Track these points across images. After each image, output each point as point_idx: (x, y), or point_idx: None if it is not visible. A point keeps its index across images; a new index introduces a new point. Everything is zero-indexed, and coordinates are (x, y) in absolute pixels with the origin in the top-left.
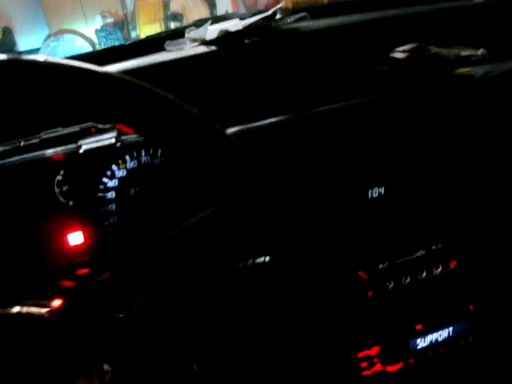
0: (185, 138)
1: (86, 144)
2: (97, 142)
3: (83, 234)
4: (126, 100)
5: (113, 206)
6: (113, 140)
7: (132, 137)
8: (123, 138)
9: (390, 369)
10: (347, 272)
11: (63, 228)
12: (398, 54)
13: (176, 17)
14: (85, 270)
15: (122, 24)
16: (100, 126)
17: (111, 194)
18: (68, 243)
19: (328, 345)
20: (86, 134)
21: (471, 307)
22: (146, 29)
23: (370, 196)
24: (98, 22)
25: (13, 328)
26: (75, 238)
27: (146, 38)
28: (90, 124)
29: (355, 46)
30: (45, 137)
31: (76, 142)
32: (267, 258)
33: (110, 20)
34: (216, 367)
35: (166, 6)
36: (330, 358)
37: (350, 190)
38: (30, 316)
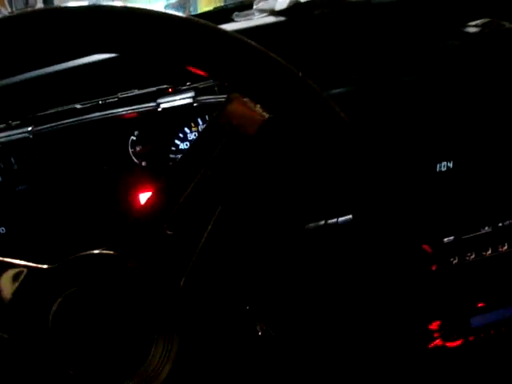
0: (277, 90)
1: (165, 102)
2: (175, 101)
3: None
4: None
5: None
6: (190, 100)
7: (207, 98)
8: (200, 98)
9: (450, 345)
10: (412, 244)
11: (136, 187)
12: (471, 28)
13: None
14: None
15: (185, 4)
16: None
17: None
18: (139, 202)
19: (391, 315)
20: (164, 94)
21: None
22: (205, 9)
23: (438, 170)
24: (160, 2)
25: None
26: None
27: (214, 8)
28: (165, 86)
29: (427, 19)
30: (123, 96)
31: (154, 100)
32: (340, 219)
33: (173, 1)
34: (279, 328)
35: None
36: (393, 328)
37: (418, 163)
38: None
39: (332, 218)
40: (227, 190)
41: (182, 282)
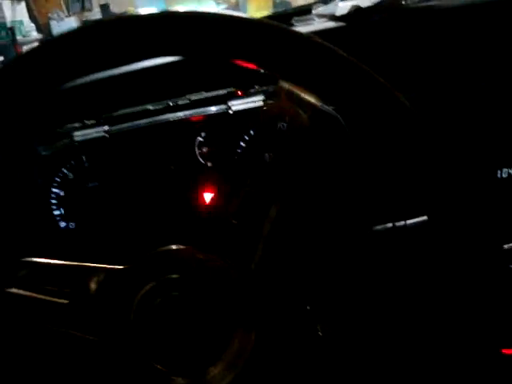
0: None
1: (236, 105)
2: (246, 103)
3: (217, 194)
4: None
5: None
6: (261, 102)
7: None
8: (269, 101)
9: None
10: (493, 244)
11: (201, 187)
12: None
13: (285, 4)
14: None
15: (234, 9)
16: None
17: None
18: (204, 201)
19: (467, 321)
20: (234, 96)
21: None
22: (255, 15)
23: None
24: (210, 6)
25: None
26: (209, 198)
27: (273, 14)
28: (233, 89)
29: (489, 27)
30: (193, 98)
31: (225, 103)
32: (408, 222)
33: (223, 6)
34: (341, 330)
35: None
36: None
37: (479, 168)
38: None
39: (400, 221)
40: (285, 182)
41: (252, 268)
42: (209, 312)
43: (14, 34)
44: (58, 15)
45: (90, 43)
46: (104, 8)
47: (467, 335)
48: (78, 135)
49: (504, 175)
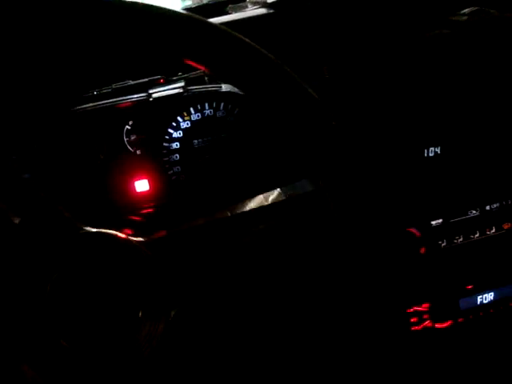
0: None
1: (156, 92)
2: (166, 90)
3: (149, 181)
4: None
5: (177, 156)
6: (181, 89)
7: (197, 87)
8: (190, 87)
9: (439, 326)
10: (400, 227)
11: (131, 175)
12: (459, 17)
13: None
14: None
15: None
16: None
17: (176, 145)
18: (135, 190)
19: (379, 299)
20: (155, 84)
21: None
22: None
23: (425, 155)
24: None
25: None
26: (141, 186)
27: (208, 1)
28: (157, 76)
29: (414, 8)
30: (116, 87)
31: (146, 91)
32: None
33: (188, 2)
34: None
35: None
36: (381, 313)
37: (406, 148)
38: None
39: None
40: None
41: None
42: (118, 292)
43: None
44: None
45: None
46: None
47: (376, 310)
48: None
49: (431, 154)
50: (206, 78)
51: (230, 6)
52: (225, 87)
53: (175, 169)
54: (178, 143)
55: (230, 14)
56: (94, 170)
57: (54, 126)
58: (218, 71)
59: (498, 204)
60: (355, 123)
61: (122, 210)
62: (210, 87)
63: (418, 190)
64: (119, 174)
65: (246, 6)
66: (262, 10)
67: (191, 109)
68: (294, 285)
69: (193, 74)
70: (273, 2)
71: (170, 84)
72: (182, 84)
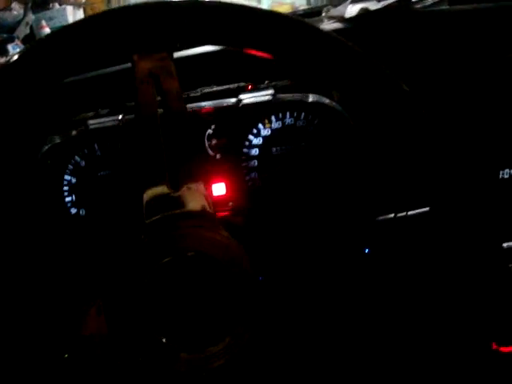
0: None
1: (247, 98)
2: (256, 97)
3: (226, 185)
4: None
5: (255, 162)
6: (270, 97)
7: (286, 95)
8: (278, 95)
9: None
10: (492, 242)
11: (209, 178)
12: None
13: None
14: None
15: None
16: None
17: (255, 151)
18: (212, 193)
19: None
20: (243, 90)
21: None
22: None
23: (500, 176)
24: None
25: None
26: (219, 189)
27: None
28: (244, 83)
29: (494, 33)
30: (205, 91)
31: (236, 96)
32: (410, 213)
33: None
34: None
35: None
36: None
37: (481, 169)
38: None
39: (402, 211)
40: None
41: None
42: (219, 292)
43: None
44: None
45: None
46: None
47: (464, 332)
48: (93, 123)
49: (505, 176)
50: (293, 88)
51: (305, 19)
52: (312, 97)
53: (252, 175)
54: (257, 150)
55: None
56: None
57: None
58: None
59: None
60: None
61: None
62: (298, 95)
63: (494, 213)
64: (199, 176)
65: (322, 21)
66: (339, 25)
67: (273, 117)
68: None
69: (280, 83)
70: (351, 18)
71: (260, 91)
72: (271, 91)
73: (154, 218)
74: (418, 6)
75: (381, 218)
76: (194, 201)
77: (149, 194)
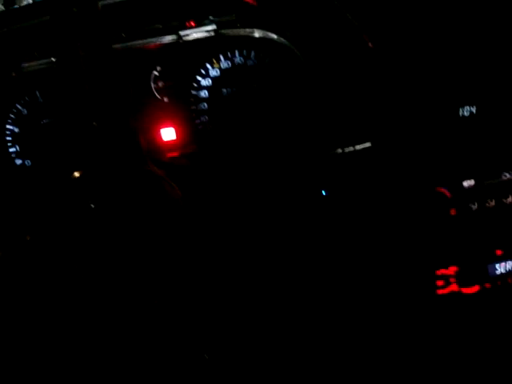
0: None
1: (187, 35)
2: (197, 33)
3: (175, 130)
4: None
5: (205, 105)
6: (212, 33)
7: (229, 31)
8: (221, 31)
9: (465, 291)
10: (431, 187)
11: (157, 123)
12: None
13: None
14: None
15: None
16: None
17: (204, 93)
18: (161, 138)
19: (406, 259)
20: (186, 27)
21: None
22: None
23: (460, 114)
24: None
25: None
26: (168, 134)
27: None
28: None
29: None
30: (146, 29)
31: (176, 33)
32: (357, 147)
33: None
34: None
35: None
36: (407, 273)
37: (441, 107)
38: None
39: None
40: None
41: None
42: None
43: None
44: None
45: None
46: None
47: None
48: (26, 66)
49: (466, 113)
50: (238, 24)
51: None
52: (258, 32)
53: (203, 118)
54: (206, 92)
55: None
56: (120, 114)
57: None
58: None
59: None
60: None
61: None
62: (243, 31)
63: (451, 149)
64: (145, 120)
65: None
66: None
67: (221, 56)
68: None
69: (224, 18)
70: None
71: (201, 27)
72: (213, 27)
73: None
74: None
75: (331, 152)
76: None
77: None
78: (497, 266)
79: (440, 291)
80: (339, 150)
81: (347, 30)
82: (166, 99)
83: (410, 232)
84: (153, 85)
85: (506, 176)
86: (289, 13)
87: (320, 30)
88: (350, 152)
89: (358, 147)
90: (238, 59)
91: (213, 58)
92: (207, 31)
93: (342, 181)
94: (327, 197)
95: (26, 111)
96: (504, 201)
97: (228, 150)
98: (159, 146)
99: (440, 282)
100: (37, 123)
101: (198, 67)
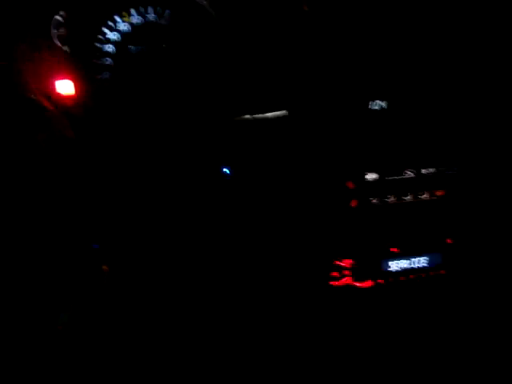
0: None
1: None
2: None
3: (74, 84)
4: None
5: (109, 60)
6: None
7: None
8: None
9: (359, 285)
10: (336, 178)
11: (53, 73)
12: None
13: None
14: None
15: None
16: None
17: (109, 47)
18: (55, 90)
19: (302, 248)
20: None
21: (449, 241)
22: None
23: (370, 107)
24: None
25: None
26: (65, 87)
27: None
28: None
29: None
30: None
31: None
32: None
33: None
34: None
35: None
36: (304, 262)
37: (352, 99)
38: None
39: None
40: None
41: None
42: None
43: None
44: None
45: None
46: None
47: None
48: None
49: (375, 107)
50: None
51: None
52: None
53: (105, 74)
54: (112, 46)
55: None
56: (12, 60)
57: None
58: None
59: (434, 169)
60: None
61: (43, 110)
62: None
63: (358, 142)
64: (41, 69)
65: None
66: None
67: (132, 10)
68: None
69: None
70: None
71: None
72: None
73: None
74: None
75: (237, 118)
76: None
77: None
78: (390, 263)
79: (334, 283)
80: (247, 116)
81: None
82: (66, 48)
83: (310, 220)
84: (53, 30)
85: (408, 174)
86: None
87: None
88: (260, 119)
89: (270, 115)
90: (150, 16)
91: (123, 11)
92: None
93: (246, 157)
94: (229, 177)
95: None
96: (404, 198)
97: (127, 110)
98: (56, 100)
99: (335, 274)
100: None
101: (105, 18)
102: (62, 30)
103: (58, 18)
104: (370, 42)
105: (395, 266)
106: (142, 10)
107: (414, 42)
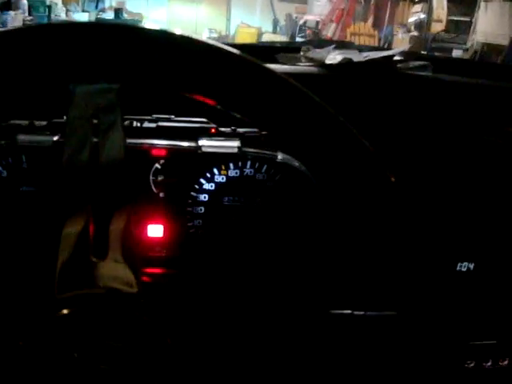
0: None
1: (208, 147)
2: (219, 148)
3: (164, 228)
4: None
5: (202, 209)
6: (235, 149)
7: (253, 151)
8: (245, 149)
9: None
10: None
11: (145, 217)
12: None
13: None
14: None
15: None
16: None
17: (204, 197)
18: (146, 233)
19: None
20: (205, 133)
21: None
22: None
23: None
24: (204, 33)
25: None
26: (155, 231)
27: (258, 43)
28: (208, 123)
29: (474, 109)
30: (161, 124)
31: (195, 139)
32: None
33: (214, 35)
34: None
35: (259, 36)
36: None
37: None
38: None
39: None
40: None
41: None
42: None
43: (49, 12)
44: (75, 7)
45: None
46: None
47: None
48: (23, 139)
49: (463, 269)
50: (262, 139)
51: (282, 53)
52: (281, 156)
53: (196, 222)
54: (206, 196)
55: (280, 62)
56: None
57: None
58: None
59: None
60: None
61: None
62: (267, 152)
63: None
64: (134, 211)
65: (300, 60)
66: (321, 70)
67: (231, 164)
68: None
69: (248, 133)
70: (331, 64)
71: (224, 140)
72: (237, 143)
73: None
74: (401, 65)
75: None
76: (115, 278)
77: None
78: None
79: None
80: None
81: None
82: (161, 194)
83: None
84: (151, 177)
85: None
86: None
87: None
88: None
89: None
90: (247, 171)
91: (222, 165)
92: (230, 147)
93: None
94: None
95: (5, 173)
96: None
97: (215, 260)
98: (143, 242)
99: None
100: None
101: (204, 171)
102: (159, 177)
103: (157, 165)
104: None
105: None
106: (240, 164)
107: None
